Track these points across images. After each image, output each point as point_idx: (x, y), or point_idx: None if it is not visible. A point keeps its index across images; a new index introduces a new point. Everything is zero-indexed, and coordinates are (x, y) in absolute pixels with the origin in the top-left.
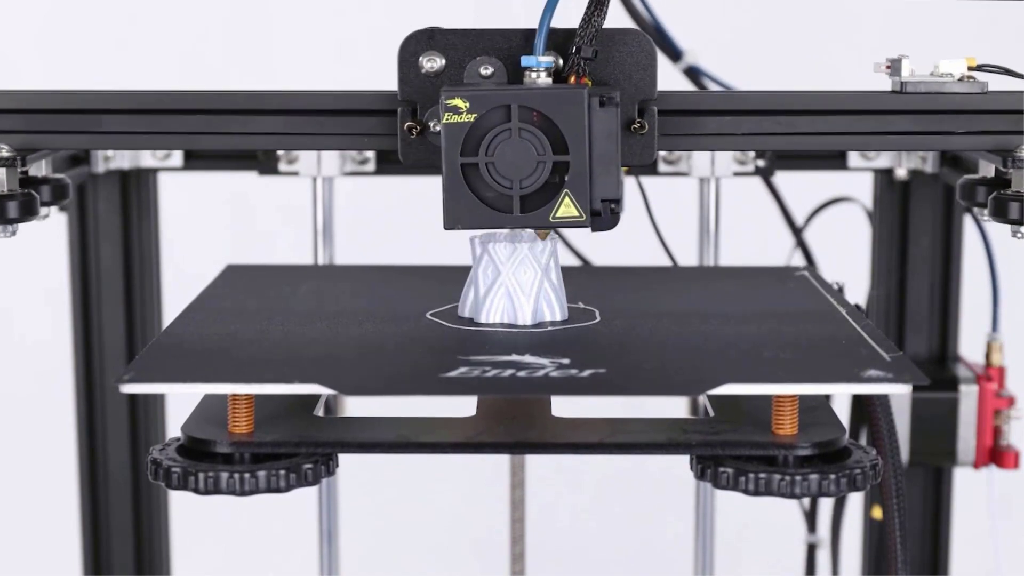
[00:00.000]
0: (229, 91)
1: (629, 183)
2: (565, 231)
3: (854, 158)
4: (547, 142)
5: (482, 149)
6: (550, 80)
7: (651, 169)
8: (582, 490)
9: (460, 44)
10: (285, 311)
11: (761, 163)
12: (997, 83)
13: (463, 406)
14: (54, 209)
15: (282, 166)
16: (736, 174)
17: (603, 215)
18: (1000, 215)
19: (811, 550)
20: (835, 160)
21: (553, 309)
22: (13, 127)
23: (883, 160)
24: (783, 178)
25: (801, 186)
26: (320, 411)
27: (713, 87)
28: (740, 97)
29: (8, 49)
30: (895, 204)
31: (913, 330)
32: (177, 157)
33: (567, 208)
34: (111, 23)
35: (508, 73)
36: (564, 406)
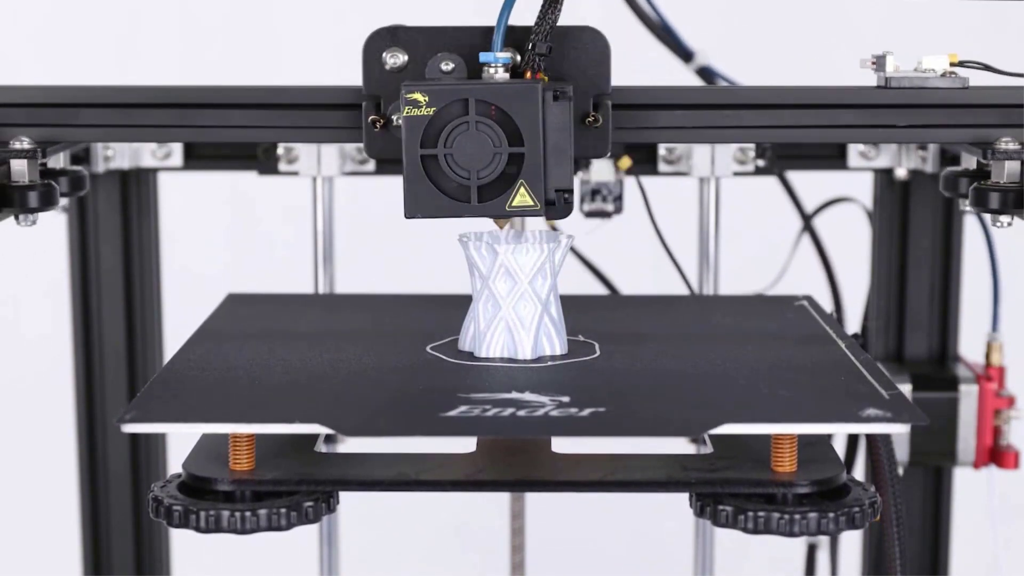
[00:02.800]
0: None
1: (629, 183)
2: (590, 255)
3: (854, 158)
4: (503, 134)
5: (441, 141)
6: (507, 75)
7: (651, 169)
8: None
9: (422, 41)
10: (285, 345)
11: (761, 162)
12: (978, 79)
13: (464, 440)
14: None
15: (282, 166)
16: (736, 174)
17: (557, 204)
18: (980, 205)
19: (811, 550)
20: (835, 160)
21: (553, 343)
22: (33, 120)
23: (883, 160)
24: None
25: (801, 186)
26: (321, 446)
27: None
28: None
29: (7, 47)
30: (895, 204)
31: (913, 330)
32: (177, 157)
33: (522, 197)
34: (110, 23)
35: (468, 68)
36: (565, 441)
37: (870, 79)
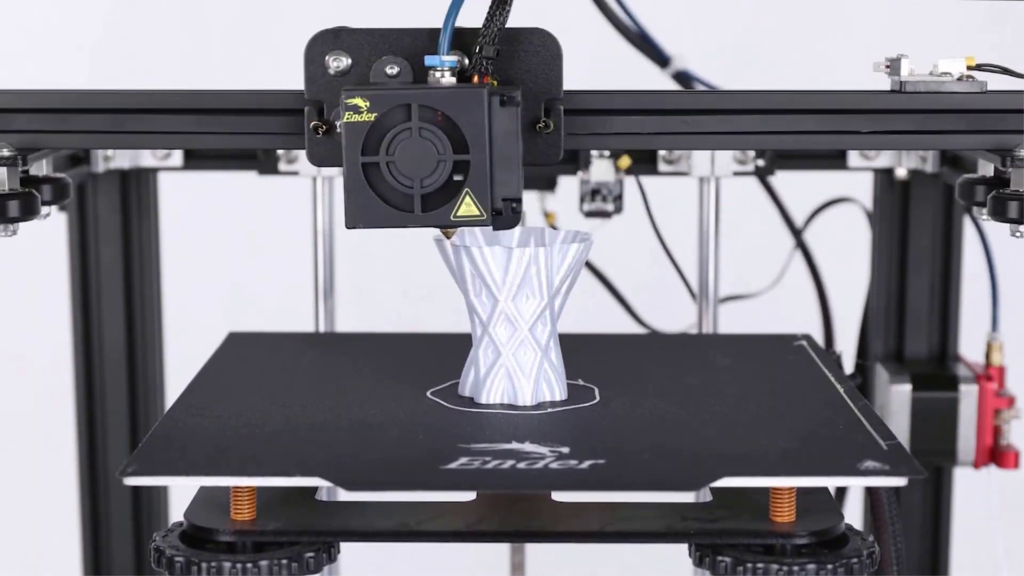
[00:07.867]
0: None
1: (629, 183)
2: (590, 255)
3: (854, 158)
4: (448, 141)
5: (383, 148)
6: (454, 80)
7: (651, 169)
8: None
9: (366, 44)
10: (286, 391)
11: (761, 163)
12: (996, 82)
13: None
14: (54, 208)
15: (282, 166)
16: (736, 174)
17: (504, 214)
18: (999, 214)
19: None
20: (835, 160)
21: (553, 389)
22: (14, 126)
23: (883, 160)
24: (783, 178)
25: (801, 186)
26: (323, 494)
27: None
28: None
29: (8, 49)
30: (895, 204)
31: (913, 330)
32: (177, 157)
33: (468, 207)
34: (111, 25)
35: (414, 72)
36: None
37: (871, 80)
